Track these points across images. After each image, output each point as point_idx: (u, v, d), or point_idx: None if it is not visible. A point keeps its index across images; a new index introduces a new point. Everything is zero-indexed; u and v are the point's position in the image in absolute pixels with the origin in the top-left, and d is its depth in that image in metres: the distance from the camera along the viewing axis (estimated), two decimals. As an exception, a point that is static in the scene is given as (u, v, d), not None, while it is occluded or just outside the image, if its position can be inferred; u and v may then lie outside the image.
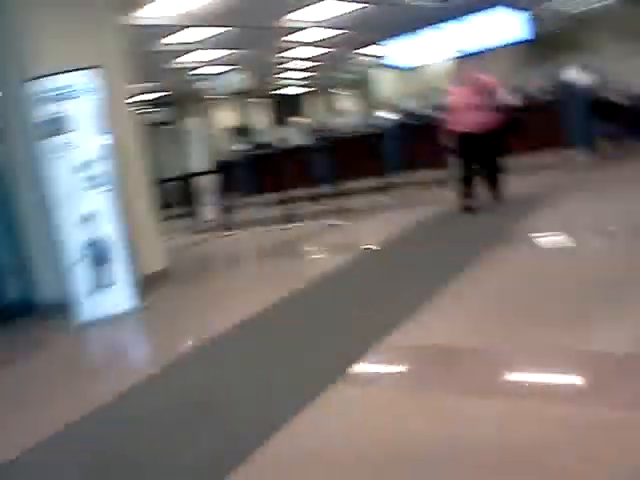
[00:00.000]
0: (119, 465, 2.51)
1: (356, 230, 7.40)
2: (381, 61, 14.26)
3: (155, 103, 16.35)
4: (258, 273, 6.13)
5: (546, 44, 15.79)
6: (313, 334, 3.69)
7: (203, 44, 11.32)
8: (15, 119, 5.37)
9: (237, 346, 3.79)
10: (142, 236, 5.82)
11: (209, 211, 10.81)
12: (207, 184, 10.92)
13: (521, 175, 8.11)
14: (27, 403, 3.44)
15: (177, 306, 5.15)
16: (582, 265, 4.13)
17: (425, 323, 3.48)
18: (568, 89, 9.31)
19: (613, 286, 3.51)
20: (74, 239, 4.94)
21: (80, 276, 4.95)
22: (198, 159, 11.13)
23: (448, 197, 7.08)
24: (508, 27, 11.87)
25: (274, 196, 10.41)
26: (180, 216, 11.23)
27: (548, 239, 5.01)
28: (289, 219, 8.65)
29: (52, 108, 4.85)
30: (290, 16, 10.70)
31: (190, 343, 4.08)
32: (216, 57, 12.86)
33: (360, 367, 3.05)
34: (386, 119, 11.49)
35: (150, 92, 14.92)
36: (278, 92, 19.92)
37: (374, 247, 5.97)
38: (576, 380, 2.59)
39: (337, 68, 18.34)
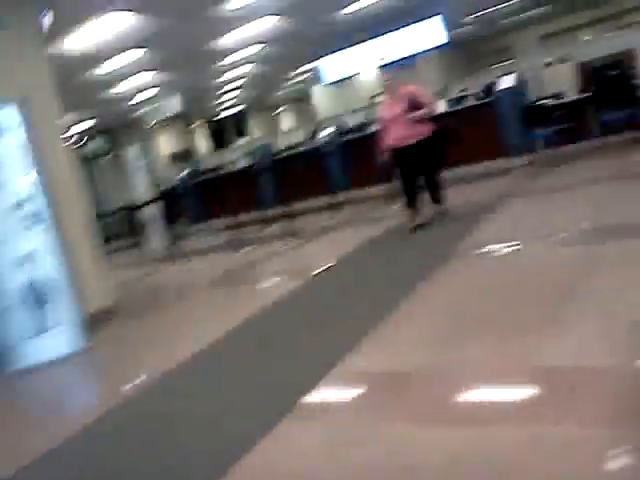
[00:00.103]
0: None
1: (307, 252, 7.29)
2: (319, 77, 14.31)
3: (92, 134, 16.01)
4: (209, 303, 5.94)
5: (476, 50, 16.22)
6: (264, 365, 3.57)
7: (137, 69, 11.11)
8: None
9: (184, 384, 3.63)
10: (86, 272, 5.60)
11: (156, 242, 10.57)
12: (152, 214, 10.68)
13: (462, 185, 8.19)
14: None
15: (123, 344, 4.95)
16: (531, 274, 4.12)
17: (377, 347, 3.40)
18: (501, 95, 9.50)
19: (561, 295, 3.49)
20: (11, 281, 4.70)
21: (18, 320, 4.70)
22: (141, 189, 10.88)
23: (397, 212, 7.06)
24: (437, 35, 12.03)
25: (222, 222, 10.25)
26: (126, 248, 10.94)
27: (496, 250, 5.01)
28: (238, 245, 8.50)
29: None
30: (225, 38, 10.63)
31: (135, 383, 3.86)
32: (151, 82, 12.65)
33: (312, 396, 2.95)
34: (329, 136, 11.49)
35: (86, 123, 14.58)
36: (220, 114, 19.79)
37: (325, 269, 5.86)
38: (537, 398, 2.52)
39: (277, 86, 18.39)
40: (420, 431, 2.39)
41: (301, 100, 19.93)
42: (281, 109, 21.71)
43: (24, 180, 4.73)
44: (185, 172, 13.98)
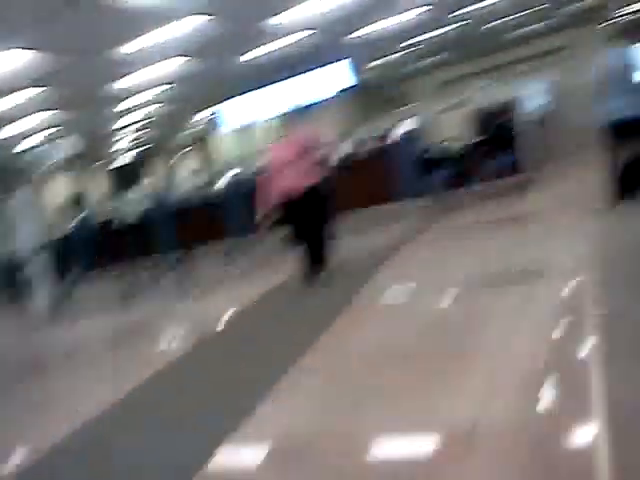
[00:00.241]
0: None
1: (197, 309, 6.95)
2: (220, 122, 14.15)
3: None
4: (82, 376, 5.37)
5: (377, 96, 16.61)
6: (154, 440, 3.29)
7: (32, 109, 10.51)
8: None
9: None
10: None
11: (42, 298, 9.86)
12: (39, 267, 10.00)
13: (357, 232, 8.17)
14: None
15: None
16: (422, 329, 4.05)
17: (265, 421, 3.20)
18: (398, 141, 9.67)
19: (451, 350, 3.46)
20: None
21: None
22: (27, 240, 10.20)
23: (292, 262, 6.87)
24: (342, 80, 12.19)
25: (117, 271, 9.76)
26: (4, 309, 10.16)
27: (388, 303, 4.94)
28: (128, 297, 8.06)
29: None
30: (125, 79, 10.28)
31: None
32: (45, 123, 12.04)
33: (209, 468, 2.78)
34: (229, 180, 11.29)
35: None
36: (120, 158, 19.18)
37: (212, 332, 5.57)
38: (432, 459, 2.44)
39: (180, 129, 18.08)
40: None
41: (204, 144, 19.68)
42: (183, 152, 21.33)
43: None
44: (79, 218, 13.29)
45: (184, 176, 18.53)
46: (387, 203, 9.27)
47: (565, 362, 3.00)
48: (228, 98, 13.09)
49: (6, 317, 9.76)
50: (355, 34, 11.32)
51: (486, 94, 11.23)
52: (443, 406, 2.82)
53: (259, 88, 12.81)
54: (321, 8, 9.14)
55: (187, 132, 18.55)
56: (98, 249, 12.39)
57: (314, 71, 12.28)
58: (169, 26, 7.95)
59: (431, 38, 13.47)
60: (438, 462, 2.40)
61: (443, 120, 10.61)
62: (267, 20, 9.10)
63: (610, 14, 14.28)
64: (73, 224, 13.09)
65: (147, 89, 11.38)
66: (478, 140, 8.95)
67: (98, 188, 18.78)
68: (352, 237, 7.78)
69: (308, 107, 12.37)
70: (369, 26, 11.03)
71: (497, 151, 8.51)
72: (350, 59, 12.11)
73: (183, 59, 9.92)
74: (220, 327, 5.64)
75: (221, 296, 7.22)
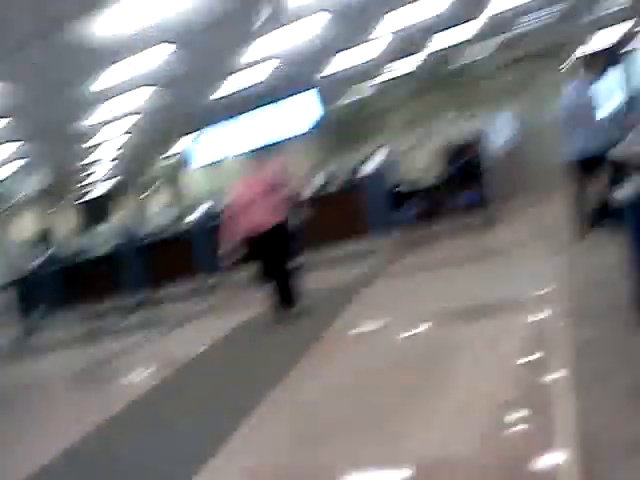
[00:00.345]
0: None
1: (165, 345, 6.83)
2: (188, 157, 14.13)
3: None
4: (39, 417, 5.22)
5: (345, 132, 16.76)
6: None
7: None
8: None
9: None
10: None
11: (4, 335, 9.62)
12: (2, 304, 9.78)
13: (326, 268, 8.13)
14: None
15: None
16: (390, 365, 4.02)
17: (234, 455, 3.15)
18: (368, 175, 9.71)
19: (420, 386, 3.43)
20: None
21: None
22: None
23: (261, 298, 6.76)
24: (308, 116, 12.28)
25: (84, 309, 9.57)
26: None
27: (358, 338, 4.91)
28: (97, 336, 7.88)
29: None
30: (94, 115, 10.22)
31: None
32: (7, 158, 11.85)
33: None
34: (198, 218, 11.20)
35: None
36: (88, 193, 18.99)
37: (180, 367, 5.46)
38: None
39: (148, 165, 18.00)
40: None
41: (174, 179, 19.58)
42: (153, 187, 21.19)
43: None
44: (46, 255, 13.06)
45: (154, 211, 18.39)
46: (358, 237, 9.26)
47: (533, 393, 3.00)
48: (198, 131, 13.10)
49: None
50: (325, 68, 11.48)
51: (454, 128, 11.40)
52: (411, 438, 2.80)
53: (229, 121, 12.84)
54: (291, 43, 9.26)
55: (157, 167, 18.47)
56: (65, 285, 12.16)
57: (284, 105, 12.37)
58: (138, 57, 7.94)
59: (400, 73, 13.73)
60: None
61: (412, 155, 10.72)
62: (237, 53, 9.17)
63: (573, 49, 14.72)
64: (40, 260, 12.86)
65: (116, 120, 11.32)
66: (446, 175, 9.04)
67: (66, 223, 18.54)
68: (323, 271, 7.77)
69: (278, 142, 12.44)
70: (339, 60, 11.19)
71: (465, 185, 8.60)
72: (320, 93, 12.24)
73: (151, 89, 9.89)
74: (188, 362, 5.54)
75: (190, 332, 7.11)
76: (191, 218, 11.34)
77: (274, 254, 6.05)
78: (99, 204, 19.41)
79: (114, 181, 18.41)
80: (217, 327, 6.65)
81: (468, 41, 12.31)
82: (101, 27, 6.61)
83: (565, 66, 14.67)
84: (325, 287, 6.91)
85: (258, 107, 12.28)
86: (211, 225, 11.03)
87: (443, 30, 11.20)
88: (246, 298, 8.03)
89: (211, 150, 13.51)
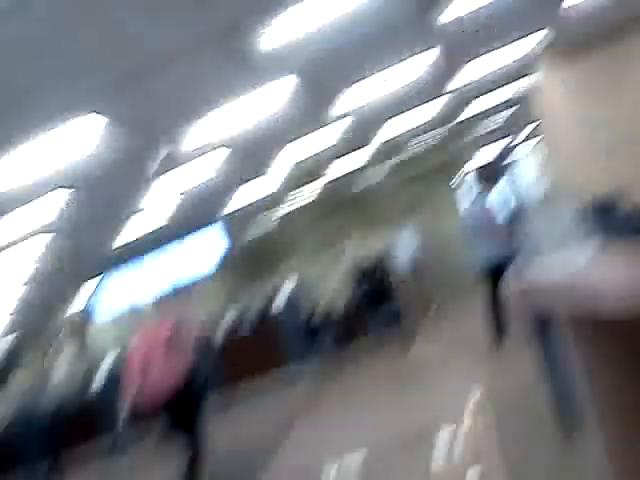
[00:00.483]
0: None
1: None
2: (93, 309, 13.50)
3: None
4: None
5: (254, 263, 16.68)
6: None
7: None
8: None
9: None
10: None
11: None
12: None
13: (240, 407, 7.72)
14: None
15: None
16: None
17: None
18: (281, 305, 9.56)
19: None
20: None
21: None
22: None
23: (173, 458, 6.04)
24: (213, 252, 12.09)
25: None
26: None
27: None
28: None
29: None
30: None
31: None
32: None
33: None
34: (102, 375, 10.45)
35: None
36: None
37: None
38: None
39: (48, 318, 17.05)
40: None
41: (80, 332, 18.53)
42: (58, 343, 19.94)
43: None
44: None
45: (59, 369, 17.20)
46: (276, 369, 8.96)
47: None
48: (100, 277, 12.61)
49: None
50: (228, 203, 11.51)
51: (361, 248, 11.57)
52: None
53: (133, 265, 12.45)
54: (192, 180, 9.26)
55: (61, 320, 17.53)
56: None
57: (189, 243, 12.19)
58: (32, 204, 7.60)
59: (304, 201, 14.00)
60: None
61: (323, 279, 10.73)
62: (135, 196, 9.03)
63: (461, 165, 15.67)
64: None
65: (12, 269, 10.69)
66: (358, 295, 9.06)
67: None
68: (241, 413, 7.34)
69: (183, 286, 12.00)
70: (241, 194, 11.28)
71: (379, 303, 8.60)
72: (225, 228, 12.19)
73: (48, 235, 9.47)
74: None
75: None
76: (98, 377, 10.57)
77: (178, 413, 5.42)
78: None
79: (15, 336, 17.20)
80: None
81: (364, 167, 12.81)
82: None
83: (456, 181, 15.54)
84: (246, 434, 6.47)
85: (162, 246, 12.02)
86: (116, 382, 10.17)
87: (339, 157, 11.62)
88: (155, 460, 7.24)
89: (115, 299, 12.93)
